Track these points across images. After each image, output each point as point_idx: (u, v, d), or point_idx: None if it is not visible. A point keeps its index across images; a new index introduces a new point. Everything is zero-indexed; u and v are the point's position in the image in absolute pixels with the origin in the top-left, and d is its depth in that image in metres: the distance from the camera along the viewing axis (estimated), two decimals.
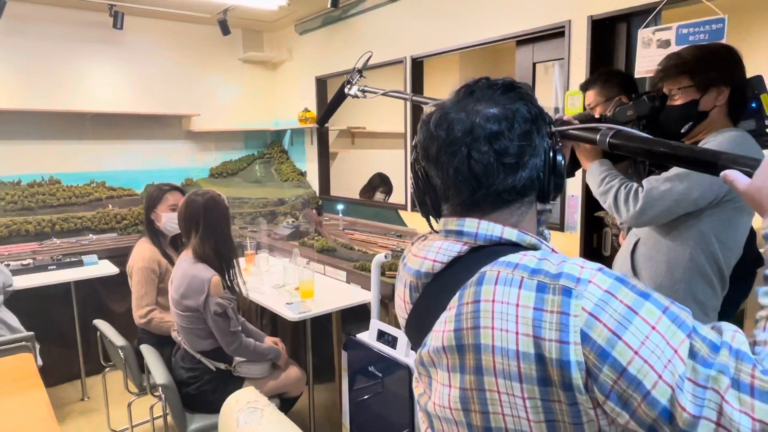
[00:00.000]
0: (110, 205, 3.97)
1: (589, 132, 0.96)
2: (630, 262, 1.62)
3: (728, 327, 0.67)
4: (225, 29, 3.94)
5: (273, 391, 2.40)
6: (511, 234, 0.79)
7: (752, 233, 1.58)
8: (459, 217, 0.82)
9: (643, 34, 2.08)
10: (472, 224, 0.80)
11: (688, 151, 0.83)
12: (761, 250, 1.67)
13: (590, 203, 2.39)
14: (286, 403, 2.48)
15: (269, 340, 2.52)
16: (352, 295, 2.77)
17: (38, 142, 3.77)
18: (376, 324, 2.33)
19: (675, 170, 1.43)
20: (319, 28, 4.13)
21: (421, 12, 3.23)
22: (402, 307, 0.91)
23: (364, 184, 4.47)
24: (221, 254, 2.28)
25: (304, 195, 4.43)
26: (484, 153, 0.76)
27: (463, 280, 0.76)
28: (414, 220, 3.51)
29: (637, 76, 2.08)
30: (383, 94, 1.74)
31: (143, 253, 2.66)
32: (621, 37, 2.33)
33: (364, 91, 1.82)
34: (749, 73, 1.49)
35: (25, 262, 3.27)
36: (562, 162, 0.82)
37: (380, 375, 2.25)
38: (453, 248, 0.81)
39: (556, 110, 3.01)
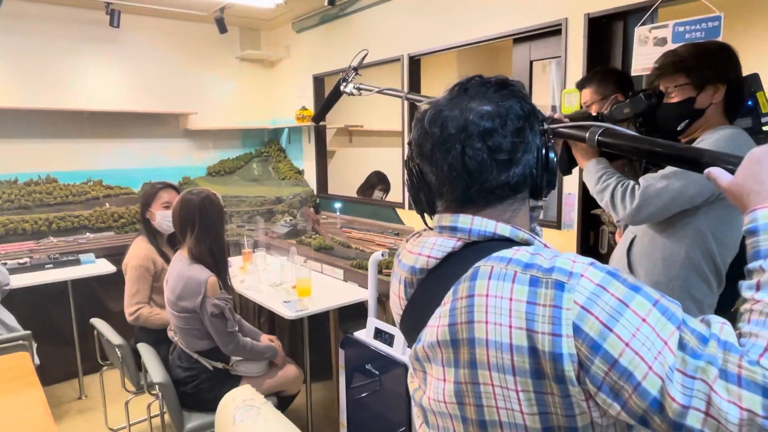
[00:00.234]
0: (107, 204, 3.96)
1: (579, 130, 0.96)
2: (626, 259, 1.63)
3: (716, 319, 0.68)
4: (222, 27, 3.93)
5: (270, 390, 2.40)
6: (504, 230, 0.80)
7: None
8: (453, 213, 0.83)
9: (640, 31, 2.08)
10: (466, 220, 0.81)
11: (673, 149, 0.84)
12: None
13: (587, 201, 2.39)
14: (283, 401, 2.48)
15: (265, 339, 2.52)
16: (349, 294, 2.77)
17: (35, 141, 3.76)
18: (373, 322, 2.33)
19: (671, 168, 1.43)
20: (317, 26, 4.12)
21: (419, 10, 3.23)
22: (397, 303, 0.92)
23: (361, 182, 4.47)
24: (216, 255, 2.27)
25: (302, 193, 4.43)
26: (477, 149, 0.77)
27: (458, 276, 0.78)
28: (411, 218, 3.51)
29: (633, 74, 2.08)
30: (378, 92, 1.75)
31: (138, 251, 2.66)
32: (618, 35, 2.33)
33: (359, 89, 1.83)
34: (745, 71, 1.49)
35: (21, 261, 3.26)
36: (554, 159, 0.84)
37: (377, 373, 2.26)
38: (447, 244, 0.82)
39: (553, 108, 3.01)
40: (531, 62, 2.72)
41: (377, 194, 4.37)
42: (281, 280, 2.94)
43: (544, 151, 0.82)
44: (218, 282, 2.23)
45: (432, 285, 0.83)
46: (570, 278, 0.69)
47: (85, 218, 3.80)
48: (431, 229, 0.88)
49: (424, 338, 0.81)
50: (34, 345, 2.48)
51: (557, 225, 2.54)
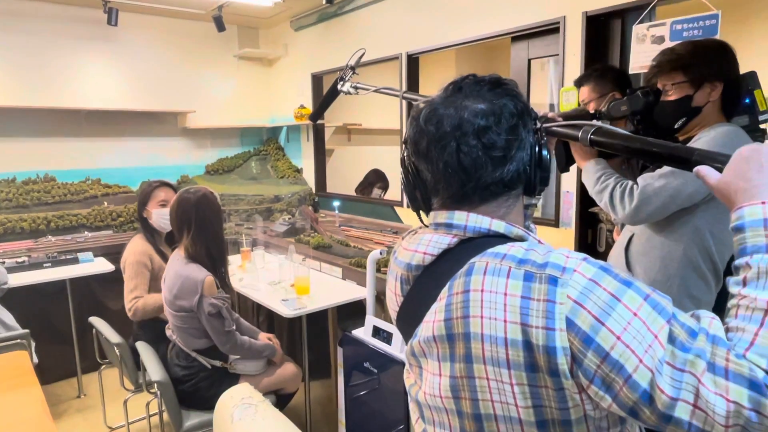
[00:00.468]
0: (105, 203, 3.96)
1: (572, 129, 0.97)
2: (624, 257, 1.63)
3: (706, 314, 0.70)
4: (220, 25, 3.92)
5: (269, 388, 2.40)
6: (499, 226, 0.81)
7: None
8: (448, 210, 0.84)
9: (638, 30, 2.08)
10: (461, 217, 0.82)
11: (664, 148, 0.85)
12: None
13: (585, 199, 2.39)
14: (282, 399, 2.48)
15: (263, 337, 2.52)
16: (347, 292, 2.78)
17: (33, 140, 3.75)
18: (371, 320, 2.34)
19: (668, 167, 1.44)
20: (315, 25, 4.12)
21: (417, 8, 3.22)
22: (393, 299, 0.93)
23: (360, 180, 4.47)
24: (212, 254, 2.27)
25: (300, 192, 4.43)
26: (472, 147, 0.79)
27: (453, 272, 0.79)
28: (410, 217, 3.51)
29: (631, 72, 2.08)
30: (375, 91, 1.76)
31: (135, 247, 2.66)
32: (615, 33, 2.33)
33: (356, 88, 1.83)
34: (743, 69, 1.49)
35: (20, 260, 3.26)
36: (548, 156, 0.85)
37: (376, 371, 2.26)
38: (443, 241, 0.83)
39: (551, 107, 3.01)
40: (529, 60, 2.72)
41: (376, 192, 4.37)
42: (280, 279, 2.95)
43: (537, 149, 0.83)
44: (216, 281, 2.23)
45: (428, 281, 0.84)
46: (563, 273, 0.70)
47: (83, 217, 3.79)
48: (427, 226, 0.89)
49: (420, 334, 0.83)
50: (33, 344, 2.48)
51: (555, 223, 2.54)
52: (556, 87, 2.66)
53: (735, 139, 1.40)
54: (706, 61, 1.45)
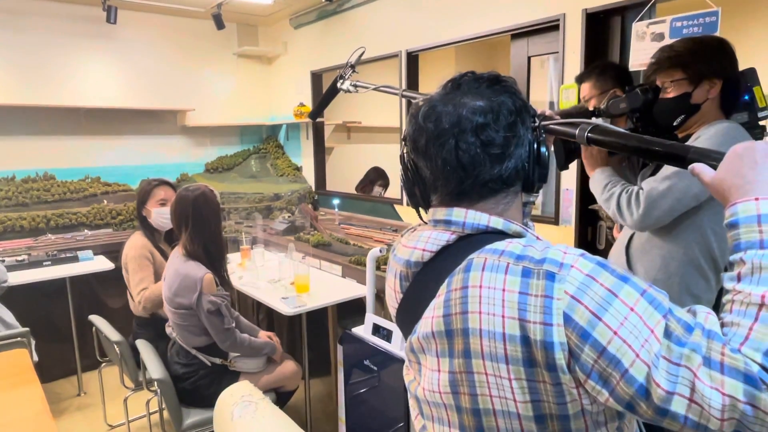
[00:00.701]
0: (105, 201, 3.96)
1: (570, 127, 0.97)
2: (625, 256, 1.62)
3: (702, 309, 0.70)
4: (219, 23, 3.92)
5: (269, 385, 2.40)
6: (497, 222, 0.82)
7: None
8: (447, 207, 0.85)
9: (638, 27, 2.08)
10: (459, 213, 0.83)
11: (659, 145, 0.85)
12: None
13: (585, 197, 2.39)
14: (282, 397, 2.49)
15: (263, 335, 2.52)
16: (347, 290, 2.78)
17: (32, 138, 3.75)
18: (371, 318, 2.34)
19: (671, 168, 1.43)
20: (314, 22, 4.11)
21: (416, 5, 3.22)
22: (393, 296, 0.93)
23: (359, 178, 4.47)
24: (210, 252, 2.27)
25: (300, 190, 4.43)
26: (471, 144, 0.79)
27: (452, 268, 0.80)
28: (409, 214, 3.51)
29: (631, 69, 2.08)
30: (374, 89, 1.77)
31: (135, 242, 2.66)
32: (615, 31, 2.33)
33: (356, 86, 1.83)
34: (742, 65, 1.49)
35: (19, 258, 3.26)
36: (546, 153, 0.86)
37: (376, 368, 2.26)
38: (441, 237, 0.84)
39: (551, 104, 3.01)
40: (529, 58, 2.72)
41: (377, 190, 4.37)
42: (279, 277, 2.95)
43: (535, 146, 0.83)
44: (215, 279, 2.23)
45: (427, 278, 0.84)
46: (561, 269, 0.71)
47: (83, 215, 3.79)
48: (426, 223, 0.90)
49: (419, 330, 0.83)
50: (33, 342, 2.48)
51: (555, 221, 2.54)
52: (556, 84, 2.66)
53: (734, 136, 1.39)
54: (705, 58, 1.44)
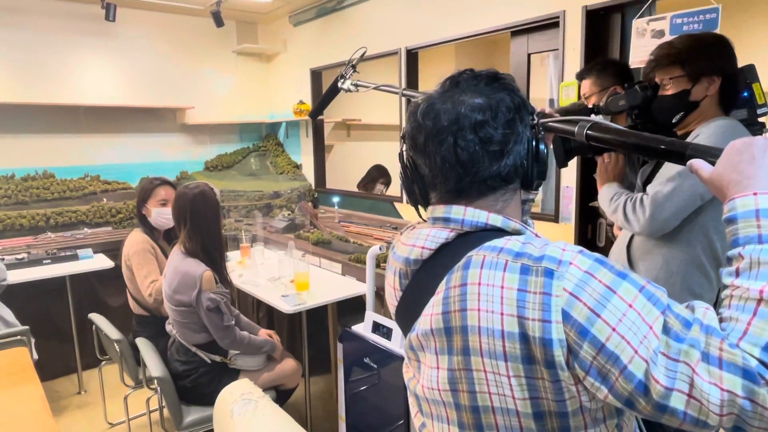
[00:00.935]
0: (105, 199, 3.96)
1: (569, 124, 0.97)
2: (626, 254, 1.62)
3: (700, 305, 0.71)
4: (219, 21, 3.91)
5: (269, 383, 2.41)
6: (496, 220, 0.82)
7: None
8: (446, 204, 0.85)
9: (638, 24, 2.08)
10: (458, 211, 0.83)
11: (657, 142, 0.85)
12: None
13: (585, 194, 2.39)
14: (282, 395, 2.49)
15: (263, 333, 2.52)
16: (347, 288, 2.78)
17: (32, 136, 3.74)
18: (371, 316, 2.34)
19: (673, 169, 1.42)
20: (314, 20, 4.11)
21: (416, 3, 3.21)
22: (392, 294, 0.93)
23: (360, 176, 4.47)
24: (209, 249, 2.27)
25: (300, 188, 4.42)
26: (469, 141, 0.79)
27: (451, 265, 0.80)
28: (409, 212, 3.51)
29: (631, 66, 2.07)
30: (375, 88, 1.77)
31: (136, 238, 2.66)
32: (615, 28, 2.32)
33: (357, 86, 1.84)
34: (742, 62, 1.49)
35: (19, 257, 3.26)
36: (545, 150, 0.86)
37: (376, 366, 2.26)
38: (440, 235, 0.84)
39: (551, 101, 3.01)
40: (529, 55, 2.71)
41: (379, 188, 4.37)
42: (279, 275, 2.94)
43: (534, 143, 0.83)
44: (214, 276, 2.23)
45: (426, 275, 0.84)
46: (559, 266, 0.71)
47: (82, 213, 3.79)
48: (425, 221, 0.90)
49: (418, 327, 0.83)
50: (33, 340, 2.48)
51: (555, 218, 2.54)
52: (555, 82, 2.65)
53: (734, 133, 1.39)
54: (704, 55, 1.44)
